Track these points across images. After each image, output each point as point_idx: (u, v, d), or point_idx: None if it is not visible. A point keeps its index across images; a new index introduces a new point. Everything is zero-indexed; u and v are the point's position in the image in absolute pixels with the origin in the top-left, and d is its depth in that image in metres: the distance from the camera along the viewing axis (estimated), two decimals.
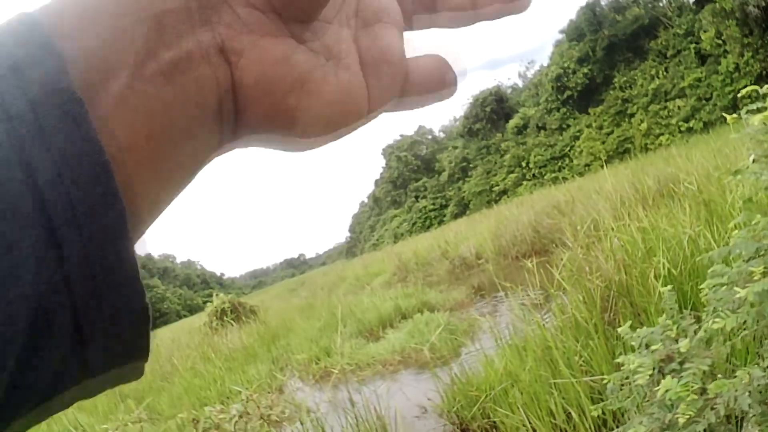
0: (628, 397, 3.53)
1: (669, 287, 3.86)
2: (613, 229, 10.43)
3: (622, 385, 3.62)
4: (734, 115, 3.71)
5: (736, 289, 2.87)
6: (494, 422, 7.53)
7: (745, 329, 3.05)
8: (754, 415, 2.65)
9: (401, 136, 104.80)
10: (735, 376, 2.68)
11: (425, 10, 0.54)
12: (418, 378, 11.37)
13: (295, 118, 0.44)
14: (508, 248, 23.58)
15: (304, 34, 0.45)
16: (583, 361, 7.30)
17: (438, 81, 0.52)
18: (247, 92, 0.42)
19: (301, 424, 8.83)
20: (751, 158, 3.51)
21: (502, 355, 8.57)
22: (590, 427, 6.19)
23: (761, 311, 2.82)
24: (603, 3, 65.15)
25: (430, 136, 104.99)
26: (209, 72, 0.40)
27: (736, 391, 2.60)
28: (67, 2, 0.38)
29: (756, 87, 3.83)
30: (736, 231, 3.67)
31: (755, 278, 2.86)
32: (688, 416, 2.67)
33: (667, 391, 2.73)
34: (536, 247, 21.06)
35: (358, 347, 14.87)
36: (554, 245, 15.89)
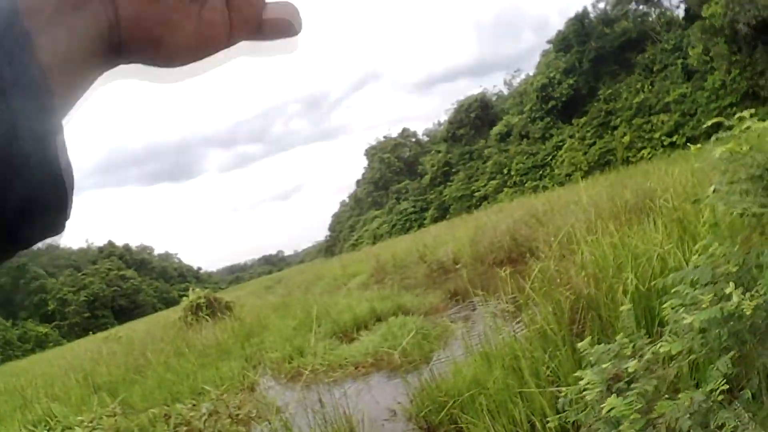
0: (584, 411, 3.64)
1: (628, 306, 3.99)
2: (586, 242, 10.55)
3: (580, 398, 3.74)
4: (698, 146, 3.84)
5: (683, 315, 2.99)
6: (461, 428, 7.63)
7: (693, 353, 3.17)
8: None
9: (385, 137, 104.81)
10: (678, 398, 2.81)
11: None
12: (389, 381, 11.46)
13: (160, 47, 0.62)
14: (485, 254, 23.68)
15: None
16: (551, 372, 7.43)
17: (286, 28, 0.67)
18: (126, 25, 0.59)
19: (269, 423, 8.91)
20: (712, 188, 3.64)
21: (471, 363, 8.69)
22: None
23: (707, 337, 2.94)
24: (592, 15, 65.27)
25: (413, 139, 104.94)
26: (102, 9, 0.57)
27: (679, 412, 2.72)
28: None
29: (722, 119, 3.97)
30: (695, 256, 3.80)
31: (703, 306, 2.98)
32: None
33: (611, 408, 2.85)
34: (513, 254, 21.16)
35: (332, 348, 14.95)
36: (530, 254, 16.04)
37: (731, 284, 3.07)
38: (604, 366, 3.31)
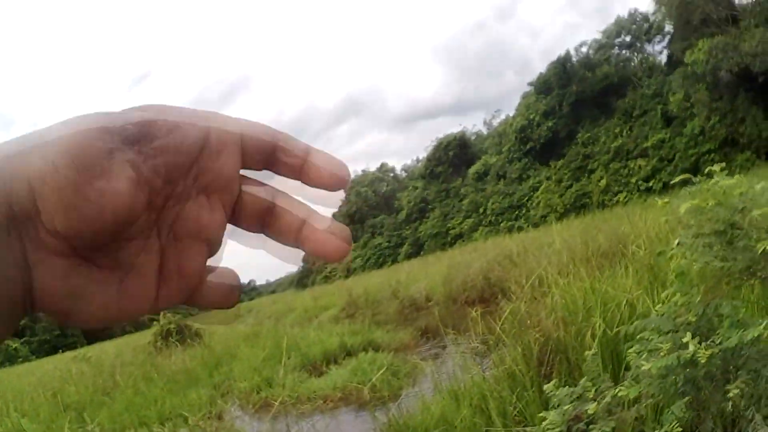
0: None
1: (594, 351, 4.12)
2: (557, 285, 10.67)
3: None
4: (666, 200, 3.99)
5: (641, 362, 3.12)
6: None
7: (654, 397, 3.30)
8: None
9: (363, 171, 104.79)
10: None
11: (258, 229, 0.66)
12: (357, 416, 11.50)
13: (69, 317, 0.60)
14: (457, 293, 23.73)
15: (92, 253, 0.60)
16: (518, 412, 7.53)
17: (222, 300, 0.65)
18: (37, 293, 0.58)
19: None
20: (677, 241, 3.79)
21: (439, 401, 8.77)
22: None
23: (664, 383, 3.07)
24: (574, 59, 65.62)
25: (391, 174, 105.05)
26: (18, 273, 0.56)
27: None
28: None
29: (689, 175, 4.14)
30: (659, 305, 3.95)
31: (662, 354, 3.11)
32: None
33: None
34: (485, 294, 21.24)
35: (301, 380, 14.94)
36: (502, 294, 16.14)
37: (689, 334, 3.22)
38: (565, 407, 3.43)
